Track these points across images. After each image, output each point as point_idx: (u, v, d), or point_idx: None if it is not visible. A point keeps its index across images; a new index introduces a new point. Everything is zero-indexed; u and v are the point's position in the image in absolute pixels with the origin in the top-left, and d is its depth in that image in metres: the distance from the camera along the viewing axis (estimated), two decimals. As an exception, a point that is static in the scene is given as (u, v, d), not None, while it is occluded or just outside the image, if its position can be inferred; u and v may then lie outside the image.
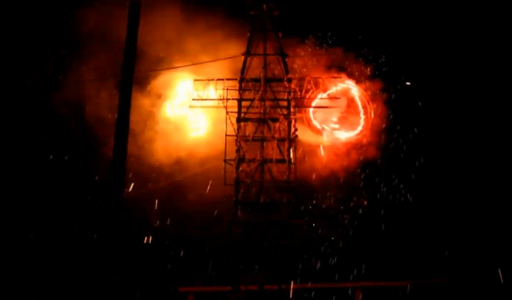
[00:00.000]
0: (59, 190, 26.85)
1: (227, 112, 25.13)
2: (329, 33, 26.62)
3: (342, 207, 27.39)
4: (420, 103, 27.59)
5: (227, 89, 25.22)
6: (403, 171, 27.47)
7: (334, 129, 25.92)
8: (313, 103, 25.51)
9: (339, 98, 25.46)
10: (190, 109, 25.79)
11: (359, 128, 25.81)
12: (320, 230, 26.10)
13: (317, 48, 26.41)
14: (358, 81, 25.83)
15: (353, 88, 25.77)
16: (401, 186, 27.37)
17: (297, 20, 26.61)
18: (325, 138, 25.98)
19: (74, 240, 26.09)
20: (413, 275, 25.24)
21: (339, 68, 26.00)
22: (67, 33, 26.24)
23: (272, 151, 24.90)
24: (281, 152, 24.95)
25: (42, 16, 26.88)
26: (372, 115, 25.81)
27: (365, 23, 27.72)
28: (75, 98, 25.87)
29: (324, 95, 25.41)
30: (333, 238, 25.37)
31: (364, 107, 25.75)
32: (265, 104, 25.16)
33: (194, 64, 25.97)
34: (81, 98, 25.97)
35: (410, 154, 27.45)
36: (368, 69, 26.02)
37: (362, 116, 25.74)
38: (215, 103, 25.36)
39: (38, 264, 25.80)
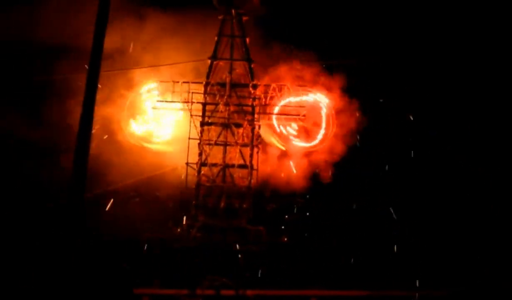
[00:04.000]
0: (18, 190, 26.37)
1: (191, 116, 25.10)
2: (299, 43, 26.70)
3: (301, 213, 27.60)
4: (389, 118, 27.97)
5: (192, 92, 25.21)
6: (361, 179, 27.79)
7: (294, 137, 26.07)
8: (276, 110, 25.73)
9: (303, 107, 25.65)
10: (153, 111, 25.66)
11: (318, 137, 26.02)
12: (278, 236, 26.22)
13: (286, 56, 26.47)
14: (325, 92, 25.96)
15: (319, 98, 25.94)
16: (362, 192, 27.67)
17: (267, 27, 26.72)
18: (284, 146, 26.11)
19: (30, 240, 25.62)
20: (371, 285, 25.46)
21: (307, 77, 26.15)
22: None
23: (234, 156, 25.00)
24: (243, 158, 25.07)
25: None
26: (334, 127, 26.02)
27: (336, 35, 28.00)
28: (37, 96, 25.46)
29: (286, 101, 25.63)
30: (285, 239, 25.49)
31: (327, 118, 25.94)
32: (230, 109, 25.23)
33: (158, 65, 25.88)
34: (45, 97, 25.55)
35: (368, 162, 27.76)
36: (336, 81, 26.15)
37: (323, 126, 25.94)
38: (179, 106, 25.34)
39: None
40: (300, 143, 26.05)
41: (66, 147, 22.66)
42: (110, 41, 21.82)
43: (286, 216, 26.95)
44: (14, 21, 25.25)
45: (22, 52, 25.84)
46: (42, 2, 25.39)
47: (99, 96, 18.55)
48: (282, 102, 25.76)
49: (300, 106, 25.60)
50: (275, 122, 26.07)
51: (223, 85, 25.38)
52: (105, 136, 25.34)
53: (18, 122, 25.44)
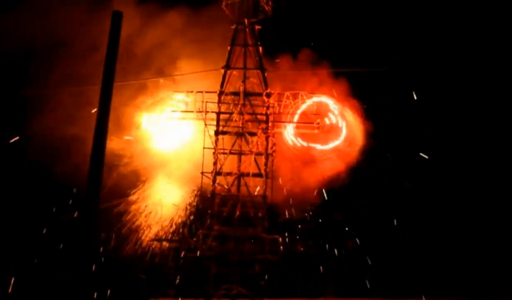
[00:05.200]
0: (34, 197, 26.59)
1: (205, 125, 25.17)
2: (311, 49, 26.70)
3: (317, 221, 27.51)
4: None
5: (206, 102, 25.30)
6: (380, 184, 27.67)
7: (312, 143, 25.98)
8: (291, 119, 25.69)
9: (318, 114, 25.57)
10: (168, 120, 25.74)
11: (336, 142, 25.87)
12: (294, 245, 26.09)
13: (299, 64, 26.49)
14: (338, 98, 25.89)
15: (332, 105, 25.84)
16: (379, 198, 27.51)
17: (280, 35, 26.83)
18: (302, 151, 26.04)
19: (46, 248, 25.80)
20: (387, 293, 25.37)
21: (320, 84, 26.13)
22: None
23: (249, 165, 24.99)
24: (258, 166, 25.05)
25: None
26: (349, 130, 25.91)
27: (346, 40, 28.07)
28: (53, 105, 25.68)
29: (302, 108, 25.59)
30: (301, 248, 25.34)
31: (343, 122, 25.82)
32: (244, 118, 25.26)
33: (173, 75, 26.06)
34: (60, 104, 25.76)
35: (385, 167, 27.65)
36: (349, 87, 26.10)
37: (342, 129, 25.81)
38: (193, 115, 25.43)
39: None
40: (317, 147, 25.88)
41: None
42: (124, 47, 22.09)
43: (301, 225, 26.84)
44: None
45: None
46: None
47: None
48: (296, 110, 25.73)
49: (315, 114, 25.54)
50: (290, 130, 25.98)
51: (237, 94, 25.43)
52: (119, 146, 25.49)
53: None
